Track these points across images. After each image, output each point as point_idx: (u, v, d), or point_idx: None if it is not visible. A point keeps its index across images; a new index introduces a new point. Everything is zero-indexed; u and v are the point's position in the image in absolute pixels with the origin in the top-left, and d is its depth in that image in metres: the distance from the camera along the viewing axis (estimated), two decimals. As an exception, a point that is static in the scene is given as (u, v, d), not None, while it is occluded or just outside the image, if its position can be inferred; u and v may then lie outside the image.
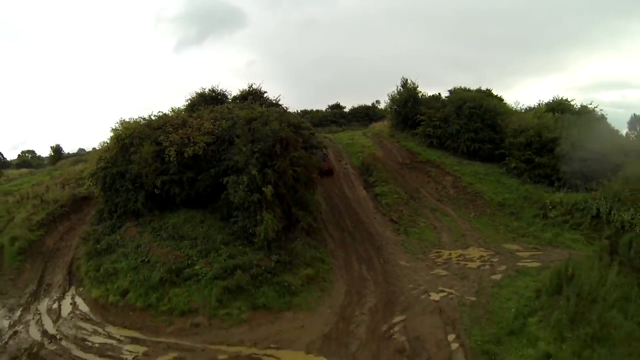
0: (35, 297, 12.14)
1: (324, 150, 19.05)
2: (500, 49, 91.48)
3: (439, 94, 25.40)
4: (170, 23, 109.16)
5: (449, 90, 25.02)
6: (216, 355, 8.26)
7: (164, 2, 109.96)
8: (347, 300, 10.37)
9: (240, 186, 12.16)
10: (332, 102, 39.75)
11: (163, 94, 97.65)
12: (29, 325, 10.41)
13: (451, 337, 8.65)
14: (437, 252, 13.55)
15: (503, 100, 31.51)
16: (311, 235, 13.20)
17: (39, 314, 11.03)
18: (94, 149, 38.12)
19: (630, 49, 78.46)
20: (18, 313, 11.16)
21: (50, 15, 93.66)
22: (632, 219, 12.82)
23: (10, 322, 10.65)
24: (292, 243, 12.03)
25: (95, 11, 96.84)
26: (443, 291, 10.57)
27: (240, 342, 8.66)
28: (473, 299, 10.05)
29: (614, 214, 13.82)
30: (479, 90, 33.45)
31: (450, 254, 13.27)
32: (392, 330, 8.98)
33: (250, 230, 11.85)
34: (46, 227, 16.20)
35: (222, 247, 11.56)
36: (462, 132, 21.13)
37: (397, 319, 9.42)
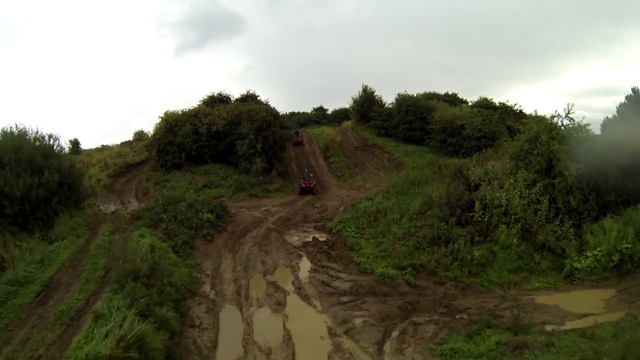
0: (123, 204, 25.67)
1: (310, 174, 28.18)
2: (493, 56, 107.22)
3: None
4: (171, 27, 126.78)
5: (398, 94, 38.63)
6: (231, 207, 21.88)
7: (168, 7, 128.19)
8: (298, 196, 24.14)
9: (244, 145, 26.18)
10: (322, 105, 54.66)
11: (161, 97, 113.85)
12: (129, 209, 23.99)
13: (342, 206, 22.13)
14: (359, 188, 27.16)
15: (466, 102, 45.54)
16: (283, 177, 27.08)
17: (132, 205, 24.59)
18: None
19: (621, 55, 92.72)
20: (120, 206, 24.67)
21: (48, 15, 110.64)
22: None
23: (119, 207, 24.13)
24: (270, 175, 25.93)
25: (98, 12, 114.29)
26: (349, 195, 24.19)
27: (242, 205, 22.35)
28: (362, 196, 23.49)
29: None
30: (446, 95, 48.06)
31: (365, 188, 26.86)
32: (316, 204, 22.59)
33: (249, 168, 25.81)
34: (113, 179, 29.86)
35: (234, 176, 25.53)
36: (400, 123, 35.10)
37: (319, 202, 23.06)
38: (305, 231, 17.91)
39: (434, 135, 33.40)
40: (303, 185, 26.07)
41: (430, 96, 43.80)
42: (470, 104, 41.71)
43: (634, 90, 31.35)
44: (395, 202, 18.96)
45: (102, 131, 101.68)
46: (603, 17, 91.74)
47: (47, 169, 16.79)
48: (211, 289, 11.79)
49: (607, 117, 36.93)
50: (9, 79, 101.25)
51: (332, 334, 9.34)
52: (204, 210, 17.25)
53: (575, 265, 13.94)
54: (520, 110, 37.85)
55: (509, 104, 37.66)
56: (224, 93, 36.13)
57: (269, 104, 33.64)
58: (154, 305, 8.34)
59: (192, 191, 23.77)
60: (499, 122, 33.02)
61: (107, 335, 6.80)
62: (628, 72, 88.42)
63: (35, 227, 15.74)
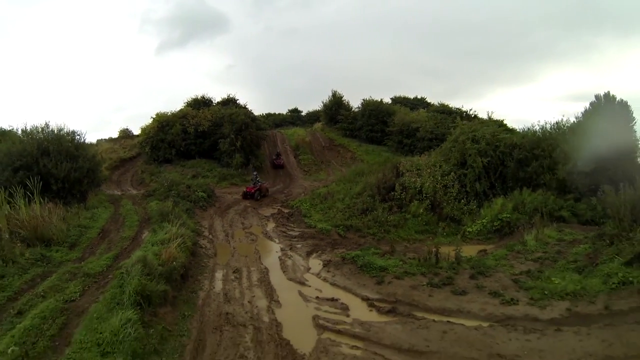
0: (123, 191, 33.58)
1: (258, 177, 32.33)
2: (472, 59, 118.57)
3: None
4: (155, 25, 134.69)
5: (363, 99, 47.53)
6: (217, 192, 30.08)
7: (153, 4, 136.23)
8: (270, 185, 32.61)
9: (226, 143, 34.56)
10: (298, 106, 63.42)
11: (139, 94, 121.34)
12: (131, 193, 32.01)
13: (303, 193, 30.57)
14: (321, 180, 35.67)
15: (433, 105, 54.21)
16: (258, 170, 35.48)
17: (131, 192, 32.61)
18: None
19: (598, 62, 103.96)
20: (122, 192, 32.65)
21: (26, 7, 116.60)
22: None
23: (121, 193, 32.13)
24: (247, 168, 34.34)
25: (82, 7, 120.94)
26: (311, 185, 32.70)
27: (225, 191, 30.61)
28: (321, 186, 31.99)
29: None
30: (415, 98, 57.00)
31: (327, 180, 35.37)
32: (283, 192, 31.07)
33: (230, 162, 34.21)
34: (110, 171, 37.71)
35: (217, 169, 33.88)
36: (364, 126, 43.91)
37: (287, 189, 31.59)
38: (273, 208, 26.26)
39: (393, 137, 42.22)
40: (245, 189, 28.91)
41: (399, 100, 52.87)
42: (437, 106, 50.35)
43: (596, 97, 31.29)
44: (343, 187, 27.41)
45: (76, 128, 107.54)
46: (581, 26, 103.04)
47: (80, 157, 24.66)
48: (209, 234, 20.04)
49: (573, 121, 48.76)
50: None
51: (282, 250, 17.73)
52: (198, 191, 25.56)
53: (467, 229, 21.51)
54: (475, 115, 46.87)
55: (463, 109, 46.68)
56: (207, 96, 44.57)
57: (247, 107, 42.22)
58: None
59: (188, 178, 31.92)
60: (451, 125, 41.94)
61: (166, 233, 15.07)
62: (603, 78, 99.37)
63: (73, 201, 23.57)
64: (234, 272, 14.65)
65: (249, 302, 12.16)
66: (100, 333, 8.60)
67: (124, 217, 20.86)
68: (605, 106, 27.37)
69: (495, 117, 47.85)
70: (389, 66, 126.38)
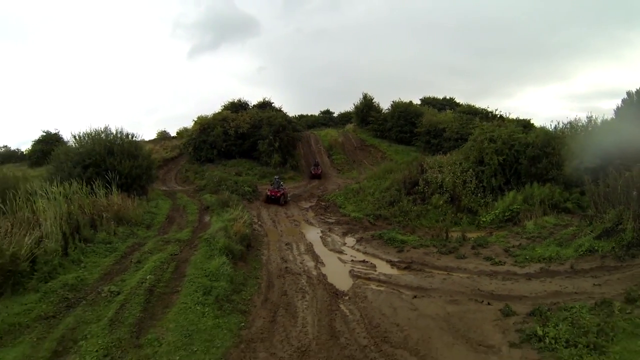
0: (170, 188, 39.30)
1: (281, 181, 43.43)
2: (501, 58, 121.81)
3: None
4: (187, 29, 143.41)
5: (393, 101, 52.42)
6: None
7: (185, 9, 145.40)
8: (307, 183, 37.79)
9: (265, 144, 40.05)
10: (329, 107, 68.68)
11: (171, 97, 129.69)
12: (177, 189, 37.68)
13: (337, 189, 35.61)
14: (354, 178, 40.62)
15: (462, 106, 58.56)
16: (294, 169, 40.77)
17: (177, 188, 38.28)
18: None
19: (630, 58, 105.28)
20: (168, 189, 38.35)
21: (64, 13, 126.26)
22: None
23: (173, 189, 37.84)
24: (285, 167, 39.67)
25: (118, 14, 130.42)
26: (344, 182, 37.71)
27: (265, 188, 35.87)
28: (354, 183, 36.97)
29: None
30: (444, 99, 61.47)
31: (359, 179, 40.28)
32: (319, 188, 36.18)
33: (268, 162, 39.68)
34: (155, 170, 43.58)
35: (257, 167, 39.35)
36: (394, 127, 48.65)
37: (322, 186, 36.68)
38: (311, 201, 31.36)
39: (421, 137, 46.82)
40: (269, 193, 30.52)
41: (428, 100, 57.39)
42: (464, 107, 54.73)
43: (628, 93, 33.98)
44: (373, 183, 32.25)
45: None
46: (612, 20, 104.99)
47: (139, 156, 30.20)
48: (258, 221, 25.21)
49: (584, 120, 52.24)
50: (21, 78, 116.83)
51: (322, 232, 22.74)
52: (244, 186, 30.93)
53: (482, 219, 25.89)
54: (500, 115, 50.99)
55: (489, 109, 50.90)
56: (243, 99, 50.29)
57: (282, 110, 47.67)
58: (240, 213, 21.89)
59: (233, 175, 37.42)
60: (471, 126, 46.28)
61: (229, 215, 20.29)
62: (637, 74, 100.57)
63: (135, 195, 29.17)
64: (285, 244, 19.77)
65: (300, 263, 17.20)
66: (205, 269, 13.77)
67: (184, 207, 26.24)
68: (638, 102, 30.64)
69: (524, 116, 52.84)
70: (418, 66, 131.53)
